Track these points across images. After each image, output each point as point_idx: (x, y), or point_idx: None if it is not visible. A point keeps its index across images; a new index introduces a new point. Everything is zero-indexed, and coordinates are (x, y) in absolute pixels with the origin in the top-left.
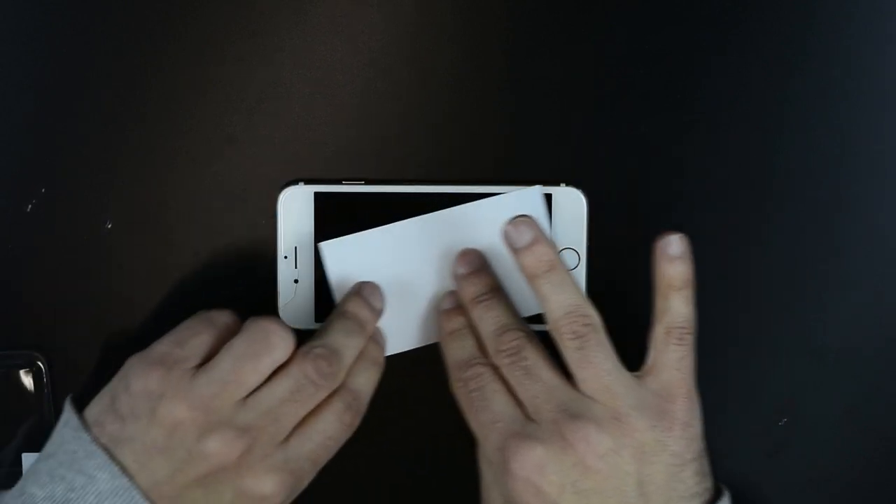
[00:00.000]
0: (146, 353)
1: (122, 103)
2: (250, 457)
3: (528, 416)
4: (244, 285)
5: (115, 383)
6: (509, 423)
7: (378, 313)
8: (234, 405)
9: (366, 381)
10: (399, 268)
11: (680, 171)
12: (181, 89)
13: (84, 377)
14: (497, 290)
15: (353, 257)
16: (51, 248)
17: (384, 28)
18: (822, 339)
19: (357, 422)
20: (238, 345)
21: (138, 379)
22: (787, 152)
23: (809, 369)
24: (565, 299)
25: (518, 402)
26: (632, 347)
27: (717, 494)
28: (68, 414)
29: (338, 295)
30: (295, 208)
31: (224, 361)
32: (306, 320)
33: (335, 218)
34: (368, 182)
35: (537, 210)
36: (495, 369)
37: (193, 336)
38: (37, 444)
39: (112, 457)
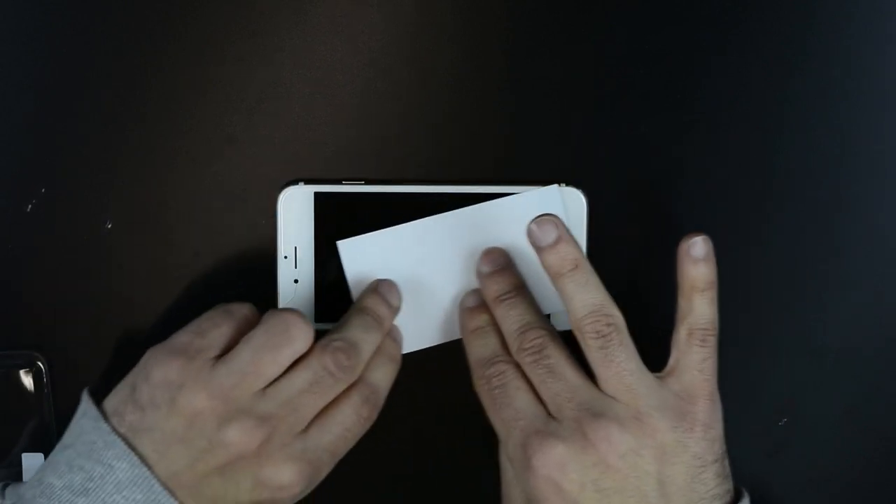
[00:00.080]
0: (166, 344)
1: (122, 103)
2: (269, 446)
3: (550, 415)
4: (244, 285)
5: (135, 374)
6: (531, 421)
7: (395, 310)
8: (254, 395)
9: (383, 376)
10: (416, 266)
11: (680, 171)
12: (181, 89)
13: (84, 377)
14: (521, 289)
15: (370, 256)
16: (51, 248)
17: (384, 28)
18: (822, 339)
19: (374, 416)
20: (258, 336)
21: (158, 369)
22: (787, 152)
23: (809, 369)
24: (589, 298)
25: (540, 401)
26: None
27: (737, 496)
28: (86, 405)
29: (355, 294)
30: (295, 208)
31: (244, 352)
32: None
33: (335, 218)
34: (368, 182)
35: (556, 209)
36: (518, 367)
37: (213, 327)
38: (37, 445)
39: (131, 446)
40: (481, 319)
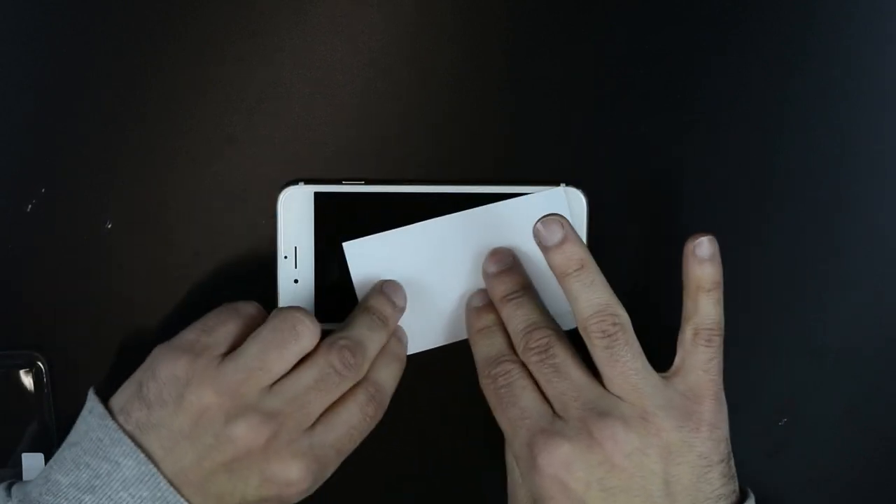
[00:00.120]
0: (173, 342)
1: (122, 103)
2: (276, 442)
3: (555, 414)
4: (244, 285)
5: (142, 371)
6: (537, 420)
7: (400, 310)
8: (261, 392)
9: (388, 375)
10: (422, 267)
11: (680, 171)
12: (181, 89)
13: (84, 377)
14: (527, 289)
15: (375, 257)
16: (51, 248)
17: (384, 28)
18: (822, 339)
19: (379, 414)
20: (265, 333)
21: (165, 366)
22: (787, 152)
23: (809, 369)
24: (595, 298)
25: (546, 400)
26: None
27: (742, 497)
28: (92, 402)
29: (360, 295)
30: (295, 208)
31: (251, 349)
32: None
33: (335, 218)
34: (368, 182)
35: (561, 210)
36: (524, 367)
37: (220, 325)
38: (37, 445)
39: (137, 444)
40: (488, 319)
